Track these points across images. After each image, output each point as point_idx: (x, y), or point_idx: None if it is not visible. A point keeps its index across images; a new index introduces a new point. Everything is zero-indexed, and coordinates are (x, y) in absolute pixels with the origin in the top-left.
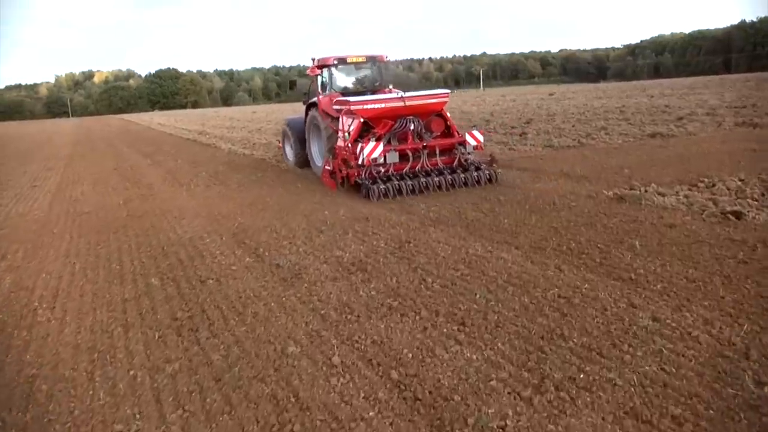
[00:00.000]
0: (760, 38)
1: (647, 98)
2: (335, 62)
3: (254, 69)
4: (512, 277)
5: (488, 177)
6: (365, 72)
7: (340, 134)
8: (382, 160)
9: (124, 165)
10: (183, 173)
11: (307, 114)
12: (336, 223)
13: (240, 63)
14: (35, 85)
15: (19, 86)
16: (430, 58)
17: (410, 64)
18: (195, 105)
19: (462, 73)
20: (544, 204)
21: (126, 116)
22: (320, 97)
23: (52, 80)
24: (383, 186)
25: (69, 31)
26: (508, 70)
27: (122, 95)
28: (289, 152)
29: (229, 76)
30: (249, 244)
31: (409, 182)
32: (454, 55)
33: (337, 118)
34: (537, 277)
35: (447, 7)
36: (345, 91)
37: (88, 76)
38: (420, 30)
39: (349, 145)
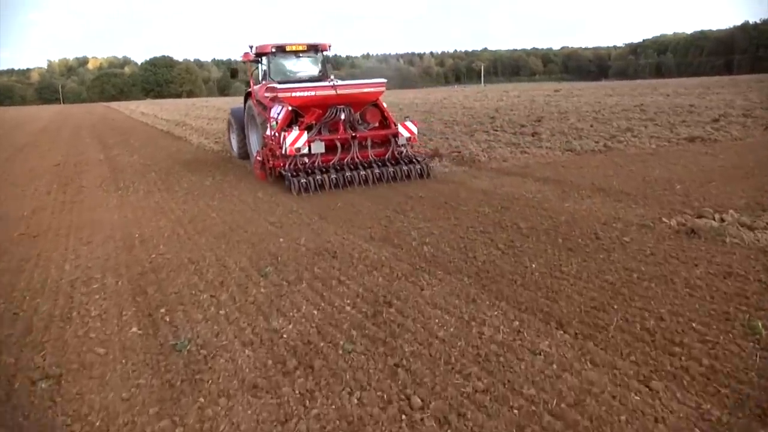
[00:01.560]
0: (764, 40)
1: (662, 97)
2: (273, 50)
3: None
4: (569, 404)
5: (420, 172)
6: (306, 61)
7: (269, 123)
8: (306, 151)
9: (71, 160)
10: (131, 173)
11: (246, 104)
12: (289, 261)
13: (239, 53)
14: (28, 70)
15: (11, 71)
16: (431, 53)
17: (411, 59)
18: (190, 94)
19: (463, 69)
20: (583, 237)
21: (115, 104)
22: (257, 86)
23: (45, 65)
24: (304, 179)
25: (68, 17)
26: (510, 67)
27: (115, 83)
28: (233, 143)
29: (227, 65)
30: (150, 298)
31: (333, 175)
32: (456, 50)
33: (270, 107)
34: (615, 409)
35: (450, 2)
36: (284, 81)
37: (83, 62)
38: (422, 25)
39: (276, 134)
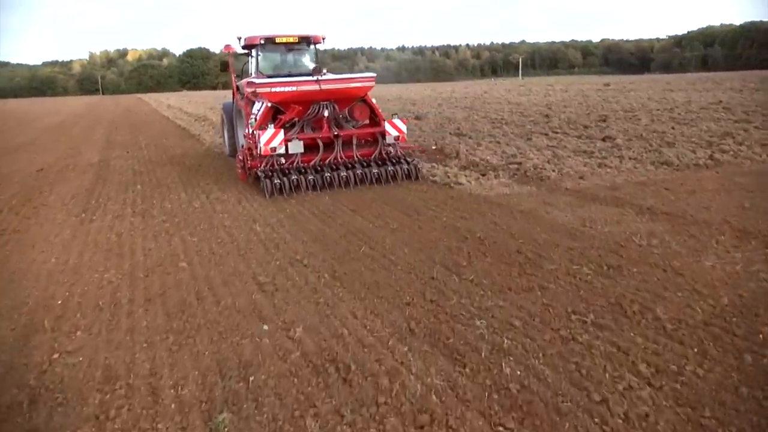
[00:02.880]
0: None
1: (735, 92)
2: (262, 42)
3: None
4: None
5: (407, 173)
6: (298, 54)
7: (248, 120)
8: (282, 150)
9: (60, 163)
10: (114, 184)
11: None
12: (265, 394)
13: None
14: (70, 61)
15: (55, 62)
16: (467, 45)
17: (447, 51)
18: (226, 86)
19: (499, 61)
20: None
21: (148, 96)
22: (245, 79)
23: (87, 57)
24: (278, 180)
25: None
26: (547, 59)
27: (152, 74)
28: (225, 140)
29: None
30: None
31: (311, 177)
32: (492, 43)
33: (253, 103)
34: None
35: None
36: (274, 74)
37: (123, 54)
38: (458, 16)
39: (254, 132)
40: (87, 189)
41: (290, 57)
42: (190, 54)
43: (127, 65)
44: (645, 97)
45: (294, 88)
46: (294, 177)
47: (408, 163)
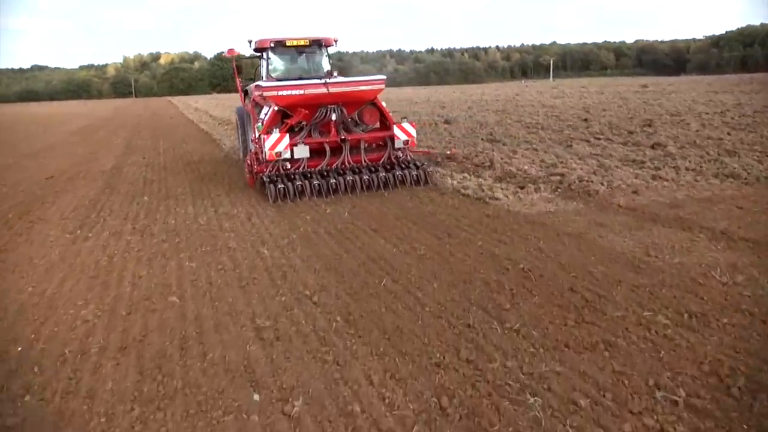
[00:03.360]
0: None
1: None
2: (272, 45)
3: None
4: None
5: (416, 178)
6: (309, 57)
7: (255, 125)
8: (288, 155)
9: (72, 170)
10: (121, 195)
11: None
12: None
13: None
14: (105, 65)
15: (91, 66)
16: (497, 47)
17: (476, 53)
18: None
19: (530, 63)
20: None
21: (177, 98)
22: (253, 83)
23: (121, 60)
24: (282, 185)
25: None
26: (579, 61)
27: (183, 77)
28: (239, 144)
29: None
30: None
31: (316, 182)
32: (522, 44)
33: (262, 107)
34: None
35: None
36: (284, 77)
37: (155, 57)
38: (487, 18)
39: (260, 137)
40: (91, 200)
41: (301, 60)
42: (220, 57)
43: (160, 68)
44: (689, 100)
45: (301, 92)
46: (298, 182)
47: (417, 167)
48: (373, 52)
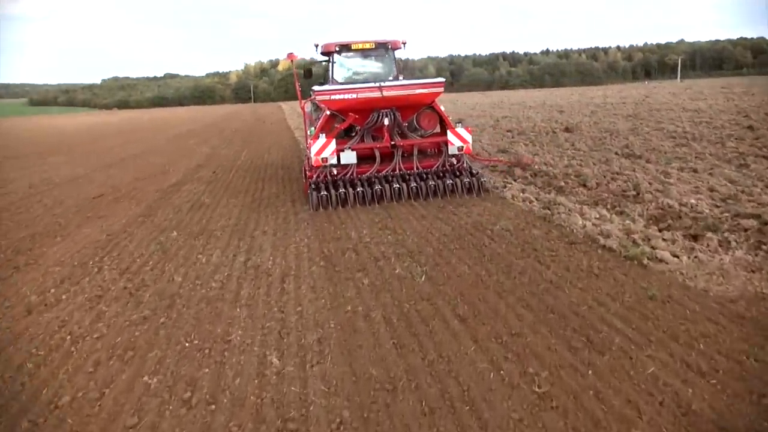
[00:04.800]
0: None
1: None
2: (337, 48)
3: (429, 58)
4: None
5: (468, 186)
6: (374, 61)
7: (310, 129)
8: (334, 161)
9: (127, 187)
10: (151, 227)
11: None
12: None
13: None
14: (228, 72)
15: (215, 74)
16: (618, 47)
17: (594, 53)
18: None
19: (654, 63)
20: None
21: (288, 103)
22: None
23: (242, 68)
24: (324, 192)
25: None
26: (710, 59)
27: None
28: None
29: (403, 64)
30: None
31: (360, 189)
32: (645, 43)
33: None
34: None
35: None
36: (349, 81)
37: (274, 64)
38: (607, 17)
39: (311, 142)
40: (110, 235)
41: (367, 63)
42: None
43: (277, 75)
44: None
45: (354, 96)
46: (342, 190)
47: (472, 175)
48: (485, 55)
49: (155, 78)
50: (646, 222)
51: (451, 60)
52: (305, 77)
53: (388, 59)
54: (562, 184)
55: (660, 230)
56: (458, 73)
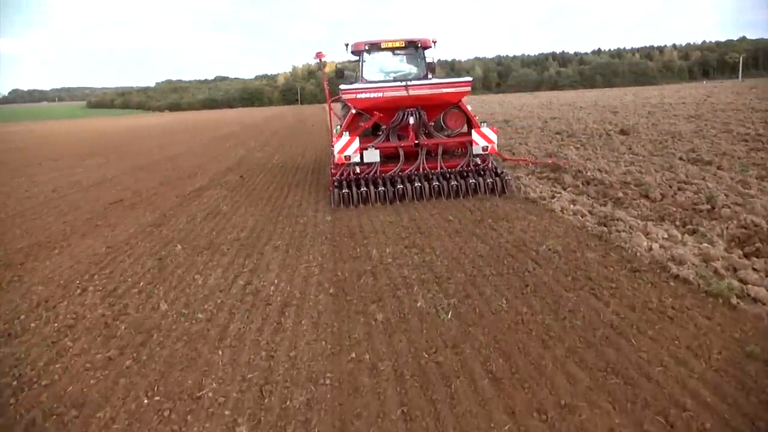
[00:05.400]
0: None
1: None
2: (367, 47)
3: (476, 59)
4: None
5: (491, 186)
6: (404, 59)
7: (336, 127)
8: (357, 159)
9: (149, 192)
10: (158, 239)
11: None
12: None
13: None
14: (276, 75)
15: (264, 76)
16: (674, 45)
17: (649, 52)
18: None
19: (712, 62)
20: None
21: (335, 104)
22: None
23: (290, 70)
24: (346, 190)
25: (314, 23)
26: None
27: (339, 83)
28: None
29: (450, 66)
30: None
31: (381, 188)
32: (704, 41)
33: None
34: None
35: None
36: (380, 79)
37: (321, 66)
38: (663, 14)
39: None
40: (111, 247)
41: (397, 62)
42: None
43: (325, 76)
44: None
45: (380, 95)
46: (363, 188)
47: (497, 175)
48: (534, 55)
49: (206, 81)
50: (727, 244)
51: (499, 61)
52: (337, 77)
53: (418, 58)
54: (620, 194)
55: (746, 255)
56: (506, 74)
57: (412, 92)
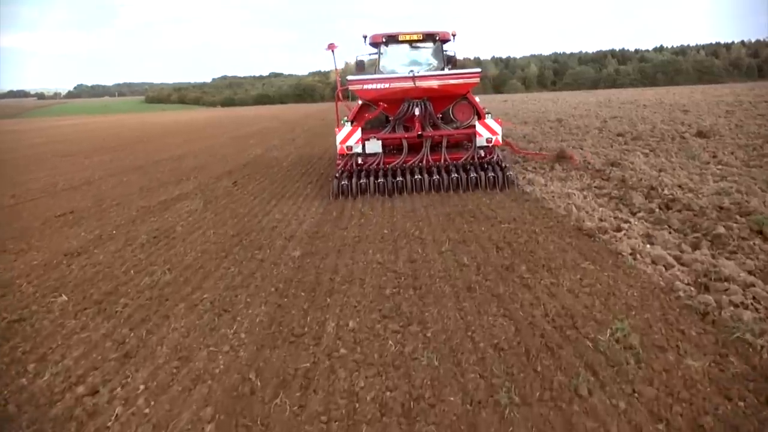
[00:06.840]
0: None
1: None
2: (384, 39)
3: (531, 56)
4: None
5: (492, 181)
6: (422, 52)
7: (344, 119)
8: (359, 149)
9: (127, 198)
10: (57, 313)
11: None
12: None
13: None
14: (328, 72)
15: (317, 72)
16: (742, 42)
17: (715, 50)
18: None
19: None
20: None
21: None
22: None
23: (342, 67)
24: (345, 182)
25: (368, 22)
26: None
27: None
28: None
29: (505, 63)
30: None
31: (380, 180)
32: None
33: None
34: None
35: None
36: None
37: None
38: (731, 11)
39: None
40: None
41: (414, 54)
42: None
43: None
44: None
45: (386, 85)
46: (363, 180)
47: (501, 169)
48: (592, 52)
49: (260, 77)
50: None
51: (555, 58)
52: (357, 70)
53: (436, 50)
54: (721, 228)
55: None
56: (562, 72)
57: (418, 83)
